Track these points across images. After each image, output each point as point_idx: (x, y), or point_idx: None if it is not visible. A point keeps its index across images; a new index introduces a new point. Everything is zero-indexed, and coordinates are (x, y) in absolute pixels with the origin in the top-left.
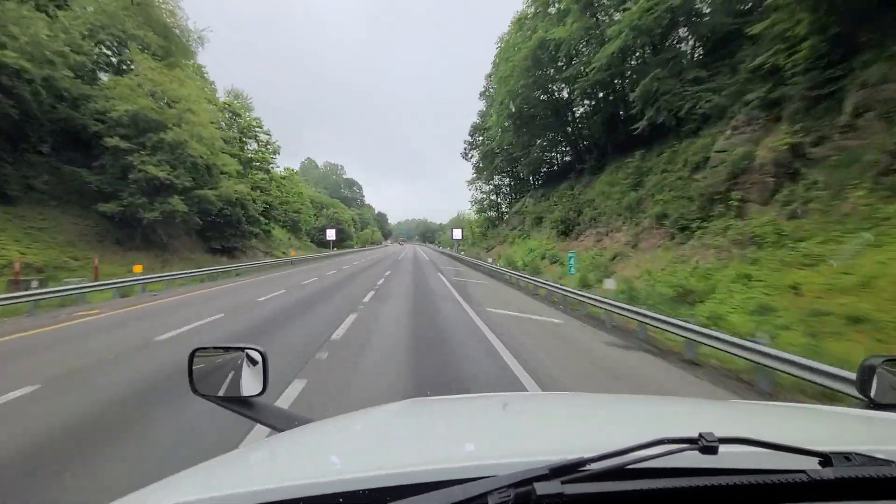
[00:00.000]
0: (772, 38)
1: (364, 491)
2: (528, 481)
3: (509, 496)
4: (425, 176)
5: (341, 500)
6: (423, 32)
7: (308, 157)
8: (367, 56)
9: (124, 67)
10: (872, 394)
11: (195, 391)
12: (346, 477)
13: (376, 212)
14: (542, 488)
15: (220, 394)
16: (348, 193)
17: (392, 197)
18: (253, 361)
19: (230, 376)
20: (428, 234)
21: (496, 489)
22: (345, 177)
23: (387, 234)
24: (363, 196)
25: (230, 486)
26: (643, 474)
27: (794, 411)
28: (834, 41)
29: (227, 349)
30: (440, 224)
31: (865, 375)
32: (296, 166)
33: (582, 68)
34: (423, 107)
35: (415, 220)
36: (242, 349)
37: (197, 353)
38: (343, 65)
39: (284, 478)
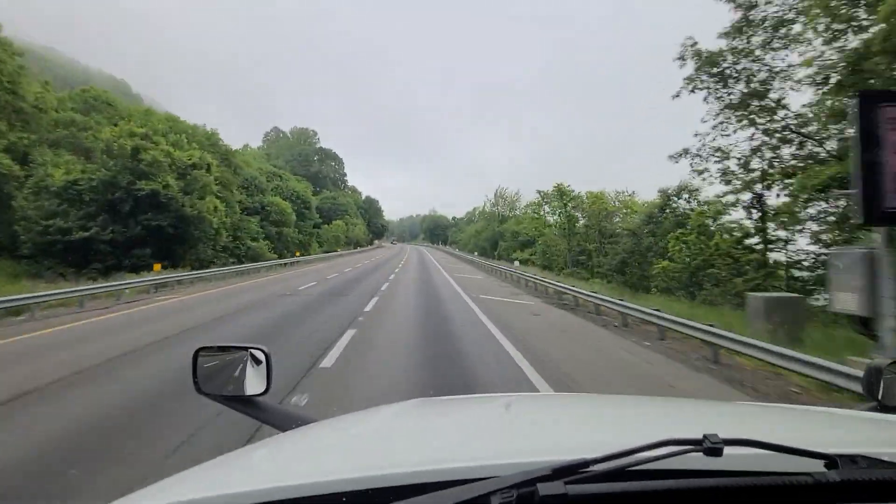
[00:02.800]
0: None
1: (367, 490)
2: (532, 482)
3: (512, 496)
4: (427, 171)
5: (344, 499)
6: (424, 30)
7: (274, 126)
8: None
9: None
10: (879, 396)
11: (199, 390)
12: (349, 476)
13: (363, 196)
14: (545, 489)
15: (225, 393)
16: (323, 169)
17: (393, 194)
18: (257, 361)
19: (234, 376)
20: (437, 230)
21: (499, 489)
22: (318, 146)
23: (379, 232)
24: (344, 174)
25: (233, 485)
26: (647, 475)
27: (799, 413)
28: None
29: (231, 348)
30: (454, 218)
31: (872, 377)
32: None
33: None
34: (427, 98)
35: (420, 215)
36: (246, 349)
37: (201, 353)
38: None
39: (287, 477)
